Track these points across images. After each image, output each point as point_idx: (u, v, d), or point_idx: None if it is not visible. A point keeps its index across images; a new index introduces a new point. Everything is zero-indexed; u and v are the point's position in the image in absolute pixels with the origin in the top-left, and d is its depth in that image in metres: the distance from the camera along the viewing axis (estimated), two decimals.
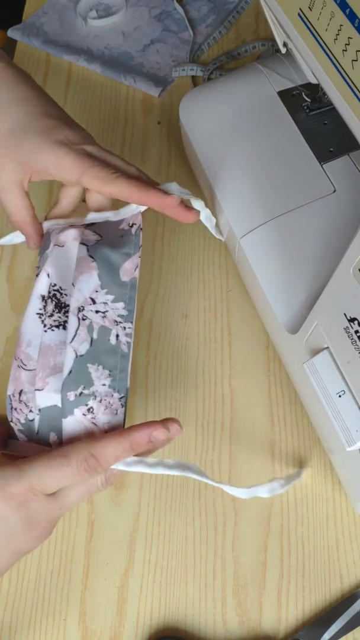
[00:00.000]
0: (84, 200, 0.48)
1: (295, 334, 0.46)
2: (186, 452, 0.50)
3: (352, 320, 0.39)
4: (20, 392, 0.42)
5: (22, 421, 0.41)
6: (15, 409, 0.42)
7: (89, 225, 0.47)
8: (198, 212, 0.46)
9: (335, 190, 0.51)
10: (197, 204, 0.47)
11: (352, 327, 0.39)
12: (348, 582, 0.46)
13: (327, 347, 0.42)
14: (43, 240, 0.48)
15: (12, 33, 0.73)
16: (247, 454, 0.50)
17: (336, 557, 0.47)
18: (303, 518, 0.48)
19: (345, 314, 0.39)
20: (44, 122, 0.45)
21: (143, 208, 0.45)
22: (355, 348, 0.39)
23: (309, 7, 0.33)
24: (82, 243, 0.44)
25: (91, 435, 0.40)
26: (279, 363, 0.53)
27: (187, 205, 0.46)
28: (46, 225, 0.48)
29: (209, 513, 0.48)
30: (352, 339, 0.39)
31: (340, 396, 0.41)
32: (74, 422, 0.40)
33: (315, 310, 0.43)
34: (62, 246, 0.44)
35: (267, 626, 0.45)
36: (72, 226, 0.46)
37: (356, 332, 0.39)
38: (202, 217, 0.49)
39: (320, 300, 0.42)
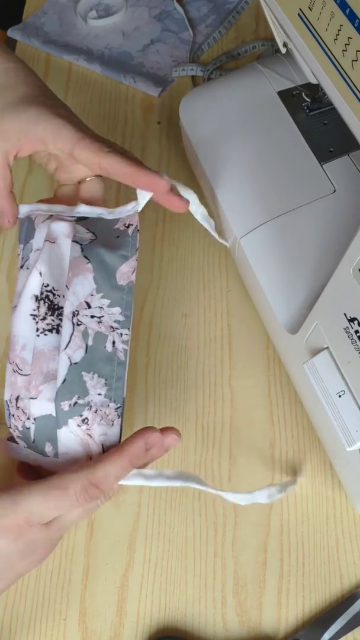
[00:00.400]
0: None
1: (295, 334, 0.46)
2: (186, 452, 0.50)
3: (352, 320, 0.39)
4: (17, 398, 0.41)
5: (20, 428, 0.41)
6: (13, 416, 0.41)
7: (80, 220, 0.44)
8: (187, 202, 0.46)
9: (335, 190, 0.51)
10: (188, 194, 0.46)
11: (352, 327, 0.39)
12: (348, 582, 0.46)
13: (327, 347, 0.42)
14: (23, 225, 0.46)
15: (12, 33, 0.73)
16: (247, 454, 0.50)
17: (336, 557, 0.47)
18: (303, 518, 0.48)
19: (345, 314, 0.39)
20: (44, 100, 0.44)
21: (140, 207, 0.44)
22: (355, 348, 0.39)
23: (309, 7, 0.33)
24: (74, 241, 0.42)
25: (87, 458, 0.39)
26: (279, 363, 0.53)
27: (178, 194, 0.45)
28: (24, 209, 0.46)
29: (209, 513, 0.48)
30: (352, 339, 0.39)
31: (340, 396, 0.41)
32: (69, 433, 0.39)
33: (315, 310, 0.43)
34: (54, 242, 0.42)
35: (267, 626, 0.45)
36: (59, 218, 0.43)
37: (356, 332, 0.39)
38: (199, 217, 0.48)
39: (320, 300, 0.42)
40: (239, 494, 0.43)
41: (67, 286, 0.41)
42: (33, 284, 0.41)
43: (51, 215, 0.44)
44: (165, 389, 0.53)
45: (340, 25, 0.30)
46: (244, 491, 0.48)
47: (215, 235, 0.50)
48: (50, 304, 0.41)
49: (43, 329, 0.40)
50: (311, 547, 0.47)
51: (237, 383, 0.53)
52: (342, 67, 0.31)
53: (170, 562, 0.47)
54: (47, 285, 0.41)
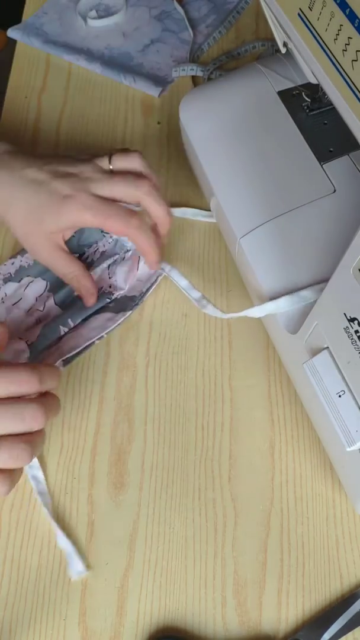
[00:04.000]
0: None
1: (295, 334, 0.46)
2: (186, 452, 0.50)
3: (352, 320, 0.39)
4: None
5: None
6: None
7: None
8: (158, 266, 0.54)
9: (335, 190, 0.51)
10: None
11: (352, 327, 0.39)
12: (348, 582, 0.46)
13: (327, 347, 0.42)
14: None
15: (12, 33, 0.73)
16: (247, 454, 0.50)
17: (336, 557, 0.47)
18: (303, 518, 0.48)
19: (345, 314, 0.39)
20: (47, 191, 0.49)
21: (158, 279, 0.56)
22: (355, 348, 0.39)
23: (309, 7, 0.33)
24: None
25: None
26: (279, 363, 0.53)
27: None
28: None
29: (209, 513, 0.48)
30: (352, 339, 0.39)
31: (340, 396, 0.41)
32: None
33: (315, 310, 0.43)
34: None
35: (267, 626, 0.45)
36: None
37: (356, 332, 0.39)
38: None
39: (320, 300, 0.42)
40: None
41: None
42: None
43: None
44: (165, 389, 0.53)
45: (340, 25, 0.30)
46: (244, 493, 0.49)
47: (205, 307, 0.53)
48: None
49: None
50: (311, 547, 0.47)
51: (237, 383, 0.53)
52: (342, 67, 0.31)
53: (170, 562, 0.47)
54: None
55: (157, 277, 0.56)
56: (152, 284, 0.56)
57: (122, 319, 0.54)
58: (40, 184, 0.49)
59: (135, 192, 0.50)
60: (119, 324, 0.54)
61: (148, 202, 0.51)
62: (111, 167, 0.51)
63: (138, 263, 0.56)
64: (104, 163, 0.51)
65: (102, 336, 0.54)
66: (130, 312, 0.55)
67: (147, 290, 0.55)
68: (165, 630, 0.45)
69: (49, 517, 0.47)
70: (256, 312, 0.48)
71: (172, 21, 0.74)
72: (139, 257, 0.56)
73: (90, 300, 0.53)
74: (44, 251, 0.51)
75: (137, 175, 0.51)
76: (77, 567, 0.46)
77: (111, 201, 0.50)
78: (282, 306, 0.47)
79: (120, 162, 0.51)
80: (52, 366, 0.45)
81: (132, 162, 0.52)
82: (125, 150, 0.53)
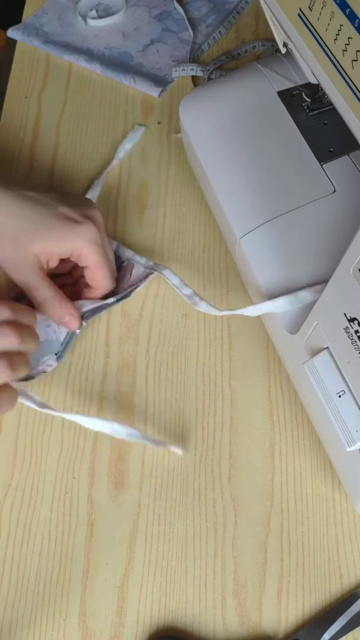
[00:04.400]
0: None
1: (295, 334, 0.46)
2: (186, 452, 0.50)
3: (352, 320, 0.39)
4: None
5: None
6: None
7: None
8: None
9: (335, 190, 0.51)
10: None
11: (352, 327, 0.39)
12: (348, 582, 0.46)
13: (327, 347, 0.42)
14: None
15: (12, 33, 0.73)
16: (247, 454, 0.50)
17: (336, 557, 0.47)
18: (303, 518, 0.48)
19: (345, 314, 0.39)
20: (53, 212, 0.50)
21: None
22: (355, 348, 0.39)
23: (309, 7, 0.33)
24: None
25: None
26: (279, 363, 0.53)
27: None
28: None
29: (209, 513, 0.48)
30: (352, 339, 0.39)
31: (340, 396, 0.41)
32: None
33: (315, 310, 0.43)
34: None
35: (267, 626, 0.45)
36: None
37: (356, 332, 0.39)
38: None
39: (320, 300, 0.42)
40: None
41: None
42: None
43: None
44: (165, 389, 0.53)
45: (340, 25, 0.30)
46: (244, 493, 0.49)
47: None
48: None
49: None
50: (311, 547, 0.47)
51: (237, 383, 0.53)
52: (342, 67, 0.31)
53: (170, 562, 0.47)
54: None
55: (149, 275, 0.55)
56: (143, 281, 0.55)
57: (114, 300, 0.54)
58: (44, 204, 0.50)
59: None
60: (115, 302, 0.54)
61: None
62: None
63: (132, 270, 0.56)
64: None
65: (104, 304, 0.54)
66: (118, 298, 0.54)
67: (139, 284, 0.55)
68: (165, 631, 0.45)
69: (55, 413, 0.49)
70: (251, 311, 0.48)
71: (172, 21, 0.74)
72: (133, 264, 0.56)
73: (73, 323, 0.52)
74: (27, 269, 0.49)
75: None
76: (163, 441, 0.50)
77: None
78: (279, 306, 0.47)
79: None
80: (27, 308, 0.48)
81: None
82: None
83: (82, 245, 0.49)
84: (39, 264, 0.50)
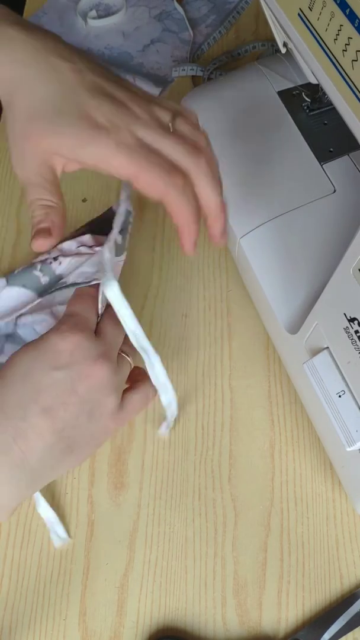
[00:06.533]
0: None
1: (295, 334, 0.46)
2: (186, 452, 0.50)
3: (352, 320, 0.39)
4: None
5: None
6: None
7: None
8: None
9: (335, 190, 0.51)
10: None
11: (352, 327, 0.39)
12: (348, 582, 0.46)
13: (327, 347, 0.42)
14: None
15: None
16: (247, 454, 0.50)
17: (336, 557, 0.47)
18: (303, 518, 0.48)
19: (345, 314, 0.39)
20: (76, 101, 0.36)
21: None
22: (355, 348, 0.39)
23: (309, 7, 0.33)
24: None
25: None
26: (279, 363, 0.53)
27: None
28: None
29: (209, 513, 0.48)
30: (352, 339, 0.39)
31: (340, 396, 0.41)
32: None
33: (315, 310, 0.43)
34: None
35: (267, 626, 0.45)
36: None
37: (356, 332, 0.39)
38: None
39: (320, 300, 0.42)
40: None
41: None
42: None
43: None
44: None
45: (340, 25, 0.30)
46: (244, 493, 0.49)
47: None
48: None
49: None
50: (311, 547, 0.47)
51: (237, 383, 0.53)
52: (342, 67, 0.31)
53: (170, 562, 0.47)
54: None
55: (92, 281, 0.41)
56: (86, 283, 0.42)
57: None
58: (70, 86, 0.37)
59: (189, 160, 0.37)
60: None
61: (201, 181, 0.38)
62: (171, 125, 0.38)
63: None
64: (163, 115, 0.38)
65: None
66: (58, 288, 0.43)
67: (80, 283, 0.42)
68: (165, 630, 0.45)
69: None
70: None
71: (172, 21, 0.73)
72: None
73: (41, 242, 0.39)
74: (33, 165, 0.37)
75: (197, 147, 0.39)
76: (60, 533, 0.47)
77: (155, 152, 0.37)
78: None
79: (185, 127, 0.39)
80: None
81: (197, 138, 0.39)
82: (189, 119, 0.40)
83: (105, 156, 0.36)
84: (49, 163, 0.38)
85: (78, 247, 0.44)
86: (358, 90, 0.31)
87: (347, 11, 0.30)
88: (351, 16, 0.29)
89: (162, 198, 0.37)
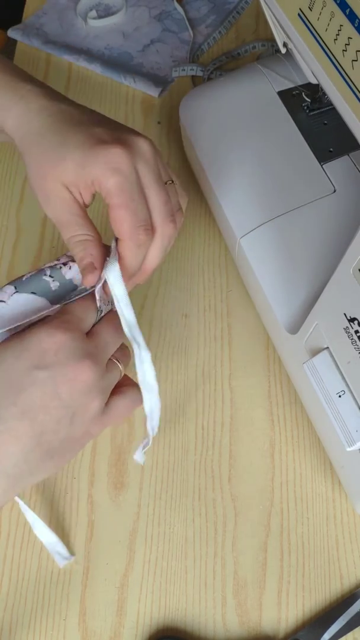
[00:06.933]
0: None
1: (295, 334, 0.46)
2: (186, 452, 0.50)
3: (352, 320, 0.39)
4: None
5: None
6: None
7: None
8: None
9: (335, 190, 0.51)
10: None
11: (352, 327, 0.39)
12: (348, 582, 0.46)
13: (327, 347, 0.42)
14: None
15: (12, 33, 0.73)
16: (247, 454, 0.50)
17: (336, 557, 0.47)
18: (303, 518, 0.48)
19: (345, 314, 0.39)
20: (84, 130, 0.39)
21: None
22: (355, 348, 0.39)
23: (309, 7, 0.33)
24: None
25: None
26: (279, 363, 0.53)
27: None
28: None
29: (209, 513, 0.48)
30: (352, 339, 0.39)
31: (340, 396, 0.41)
32: None
33: (315, 310, 0.43)
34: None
35: (267, 626, 0.45)
36: None
37: (356, 332, 0.39)
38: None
39: (320, 300, 0.42)
40: None
41: None
42: None
43: None
44: (165, 388, 0.53)
45: (340, 25, 0.30)
46: (244, 493, 0.49)
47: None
48: None
49: None
50: (311, 547, 0.47)
51: (237, 383, 0.53)
52: (342, 67, 0.31)
53: (170, 562, 0.47)
54: None
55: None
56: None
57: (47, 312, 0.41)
58: (77, 122, 0.39)
59: (164, 225, 0.40)
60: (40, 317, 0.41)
61: (157, 247, 0.41)
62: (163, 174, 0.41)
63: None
64: (163, 165, 0.41)
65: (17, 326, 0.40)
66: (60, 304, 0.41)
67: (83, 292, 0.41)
68: (165, 631, 0.45)
69: (25, 508, 0.46)
70: None
71: (172, 21, 0.73)
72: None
73: (90, 278, 0.39)
74: (58, 203, 0.39)
75: (174, 215, 0.41)
76: (62, 553, 0.46)
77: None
78: None
79: (176, 187, 0.42)
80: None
81: (181, 202, 0.42)
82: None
83: (100, 174, 0.37)
84: (70, 195, 0.39)
85: None
86: (358, 90, 0.31)
87: (347, 11, 0.30)
88: (351, 16, 0.29)
89: (120, 237, 0.39)
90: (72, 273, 0.42)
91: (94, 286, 0.40)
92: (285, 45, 0.43)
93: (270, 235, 0.50)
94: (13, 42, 0.74)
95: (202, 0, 0.75)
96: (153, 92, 0.68)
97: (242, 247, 0.51)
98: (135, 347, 0.39)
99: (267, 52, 0.70)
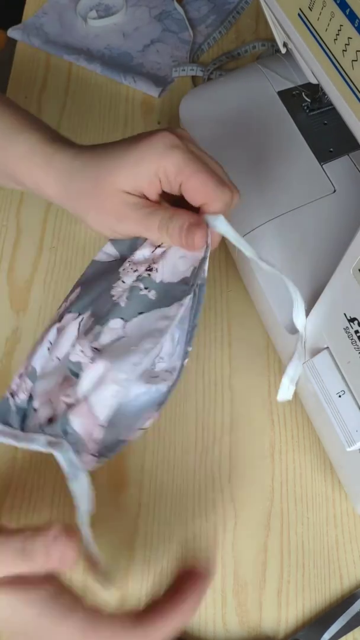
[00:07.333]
0: None
1: (295, 334, 0.46)
2: (186, 452, 0.50)
3: (352, 320, 0.39)
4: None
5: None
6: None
7: None
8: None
9: (335, 190, 0.51)
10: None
11: (352, 327, 0.39)
12: (348, 582, 0.46)
13: (327, 347, 0.42)
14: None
15: (12, 33, 0.73)
16: (247, 454, 0.50)
17: (336, 557, 0.47)
18: (303, 518, 0.48)
19: (345, 314, 0.39)
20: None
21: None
22: (355, 348, 0.39)
23: (309, 7, 0.33)
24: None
25: None
26: (279, 363, 0.53)
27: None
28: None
29: (209, 513, 0.48)
30: (352, 339, 0.39)
31: (340, 396, 0.41)
32: None
33: (315, 310, 0.43)
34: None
35: (267, 626, 0.45)
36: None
37: (356, 332, 0.39)
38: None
39: (320, 300, 0.42)
40: None
41: None
42: None
43: None
44: None
45: (340, 25, 0.30)
46: (244, 492, 0.49)
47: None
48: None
49: None
50: (311, 547, 0.47)
51: (237, 383, 0.53)
52: (342, 67, 0.32)
53: (170, 562, 0.47)
54: None
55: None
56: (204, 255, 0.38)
57: (183, 310, 0.37)
58: (103, 148, 0.40)
59: (226, 178, 0.40)
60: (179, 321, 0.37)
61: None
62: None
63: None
64: None
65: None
66: (191, 296, 0.38)
67: (203, 262, 0.38)
68: None
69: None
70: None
71: (172, 21, 0.74)
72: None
73: (199, 235, 0.37)
74: (119, 209, 0.38)
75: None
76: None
77: None
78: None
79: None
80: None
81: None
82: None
83: (160, 158, 0.37)
84: (135, 197, 0.38)
85: (152, 250, 0.41)
86: (358, 90, 0.31)
87: (347, 11, 0.30)
88: (351, 16, 0.29)
89: (207, 200, 0.38)
90: (160, 275, 0.40)
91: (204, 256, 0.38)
92: (285, 45, 0.43)
93: (270, 235, 0.50)
94: (13, 42, 0.74)
95: (202, 0, 0.75)
96: (153, 92, 0.68)
97: None
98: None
99: (267, 52, 0.70)
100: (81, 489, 0.36)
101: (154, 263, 0.40)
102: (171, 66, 0.70)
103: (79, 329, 0.39)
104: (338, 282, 0.39)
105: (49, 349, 0.40)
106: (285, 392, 0.46)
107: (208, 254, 0.38)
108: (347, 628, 0.44)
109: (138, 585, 0.46)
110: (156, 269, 0.40)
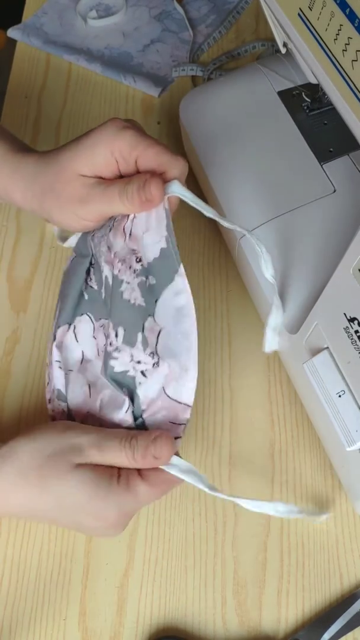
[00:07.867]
0: None
1: (295, 333, 0.46)
2: (186, 452, 0.50)
3: (352, 320, 0.39)
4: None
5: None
6: None
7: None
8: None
9: (335, 190, 0.51)
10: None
11: (352, 327, 0.39)
12: (348, 582, 0.46)
13: (327, 347, 0.42)
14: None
15: (12, 33, 0.73)
16: (247, 454, 0.50)
17: (336, 557, 0.47)
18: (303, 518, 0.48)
19: (345, 314, 0.39)
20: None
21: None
22: (355, 348, 0.39)
23: (309, 7, 0.33)
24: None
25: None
26: (279, 363, 0.53)
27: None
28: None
29: (209, 513, 0.48)
30: (352, 339, 0.39)
31: (340, 396, 0.41)
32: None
33: (315, 310, 0.43)
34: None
35: (267, 626, 0.45)
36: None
37: (356, 332, 0.39)
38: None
39: (320, 300, 0.42)
40: (252, 501, 0.42)
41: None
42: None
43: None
44: None
45: (340, 25, 0.30)
46: (244, 493, 0.49)
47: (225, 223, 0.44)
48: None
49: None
50: (311, 547, 0.47)
51: (237, 383, 0.53)
52: (342, 67, 0.32)
53: (170, 562, 0.47)
54: None
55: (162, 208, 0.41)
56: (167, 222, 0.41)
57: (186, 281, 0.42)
58: (56, 151, 0.45)
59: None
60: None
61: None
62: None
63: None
64: None
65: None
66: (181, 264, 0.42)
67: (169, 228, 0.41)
68: (165, 631, 0.45)
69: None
70: (249, 505, 0.42)
71: (172, 21, 0.74)
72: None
73: (154, 185, 0.40)
74: (80, 191, 0.42)
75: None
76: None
77: None
78: (280, 511, 0.43)
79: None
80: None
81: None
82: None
83: (113, 139, 0.40)
84: (92, 179, 0.42)
85: (124, 239, 0.43)
86: (358, 90, 0.31)
87: (347, 11, 0.30)
88: (351, 16, 0.29)
89: (164, 168, 0.41)
90: (147, 259, 0.42)
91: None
92: (285, 45, 0.43)
93: (270, 235, 0.50)
94: (13, 42, 0.74)
95: (202, 0, 0.75)
96: (153, 92, 0.68)
97: (242, 247, 0.51)
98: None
99: (267, 52, 0.70)
100: None
101: (135, 249, 0.42)
102: (171, 66, 0.70)
103: (106, 344, 0.43)
104: (338, 282, 0.39)
105: (60, 367, 0.46)
106: (270, 342, 0.48)
107: (170, 219, 0.41)
108: (347, 628, 0.44)
109: (138, 585, 0.46)
110: (143, 254, 0.42)
